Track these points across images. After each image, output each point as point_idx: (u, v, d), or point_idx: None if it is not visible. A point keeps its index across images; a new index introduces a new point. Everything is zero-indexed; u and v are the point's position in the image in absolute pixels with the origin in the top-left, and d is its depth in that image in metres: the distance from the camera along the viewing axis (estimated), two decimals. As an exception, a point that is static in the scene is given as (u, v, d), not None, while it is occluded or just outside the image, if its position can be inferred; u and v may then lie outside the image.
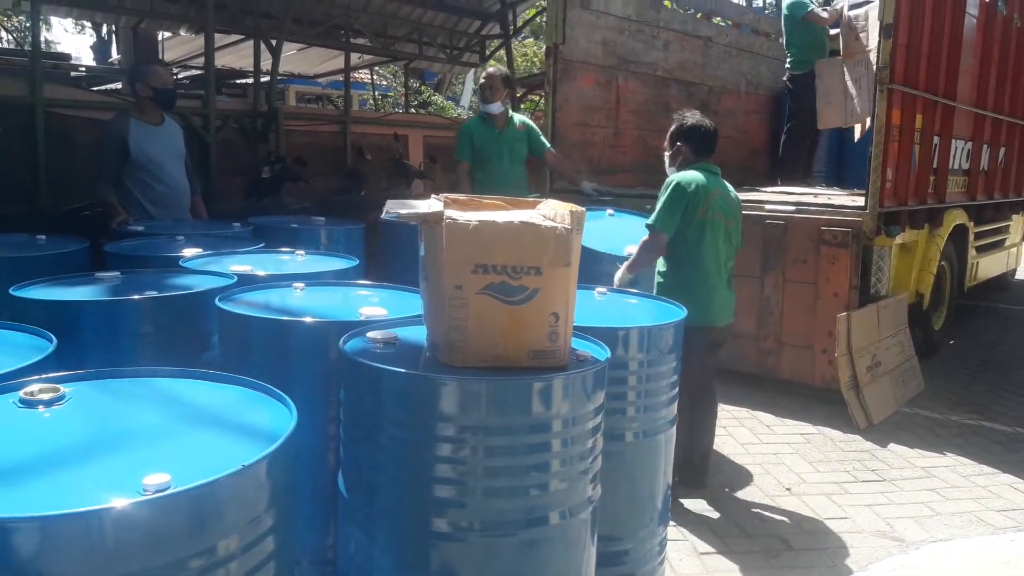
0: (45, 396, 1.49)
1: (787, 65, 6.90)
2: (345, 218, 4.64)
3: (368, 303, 2.36)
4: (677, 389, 2.55)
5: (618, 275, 3.18)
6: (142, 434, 1.43)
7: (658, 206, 3.18)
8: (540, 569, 1.85)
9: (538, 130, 5.02)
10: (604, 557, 2.22)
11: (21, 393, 1.50)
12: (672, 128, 3.36)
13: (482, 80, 4.97)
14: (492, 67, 5.33)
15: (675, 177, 3.19)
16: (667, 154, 3.38)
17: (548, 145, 5.09)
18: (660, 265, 3.30)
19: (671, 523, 3.03)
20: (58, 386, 1.53)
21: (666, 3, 6.85)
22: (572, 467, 1.87)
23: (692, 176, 3.18)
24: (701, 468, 3.35)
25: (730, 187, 3.36)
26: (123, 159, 4.01)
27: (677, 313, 2.59)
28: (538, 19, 12.44)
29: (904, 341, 4.87)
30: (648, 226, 3.20)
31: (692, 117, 3.35)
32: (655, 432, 2.46)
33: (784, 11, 6.76)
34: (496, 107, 4.76)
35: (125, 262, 2.91)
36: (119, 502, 1.10)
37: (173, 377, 1.69)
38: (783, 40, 7.01)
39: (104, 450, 1.35)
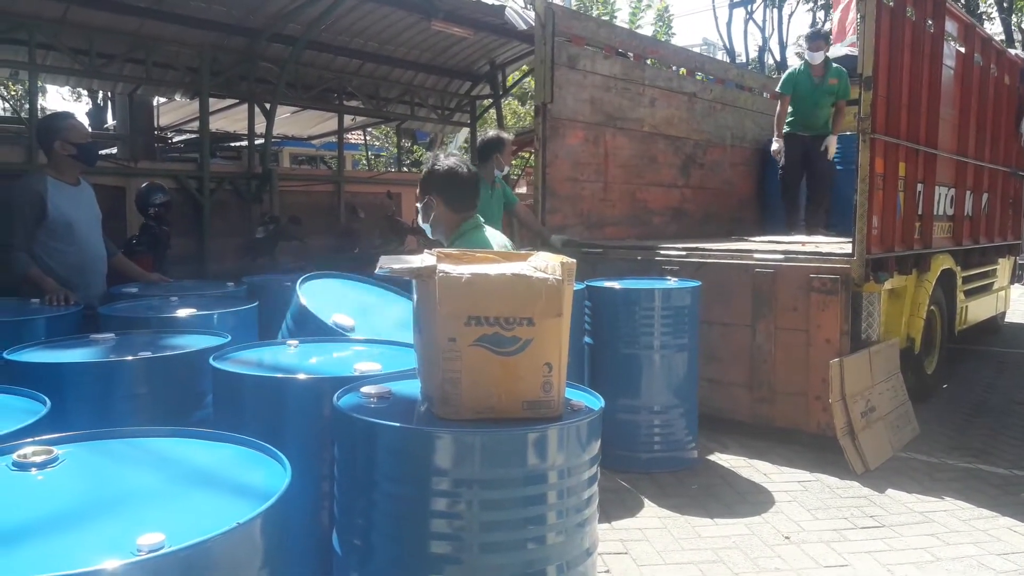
0: (38, 459, 1.49)
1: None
2: None
3: (362, 358, 2.37)
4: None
5: None
6: (136, 495, 1.42)
7: None
8: (538, 625, 1.82)
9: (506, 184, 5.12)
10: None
11: (14, 456, 1.49)
12: (423, 174, 2.71)
13: (490, 142, 4.98)
14: (503, 132, 5.32)
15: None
16: (418, 205, 2.74)
17: (516, 199, 5.20)
18: None
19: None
20: (51, 448, 1.53)
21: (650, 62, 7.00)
22: (569, 519, 1.86)
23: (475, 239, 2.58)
24: None
25: None
26: (38, 223, 3.60)
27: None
28: (526, 81, 12.70)
29: (897, 386, 4.87)
30: None
31: (447, 159, 2.68)
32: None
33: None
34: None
35: (120, 324, 2.93)
36: (112, 563, 1.09)
37: (166, 437, 1.69)
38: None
39: (98, 511, 1.34)
